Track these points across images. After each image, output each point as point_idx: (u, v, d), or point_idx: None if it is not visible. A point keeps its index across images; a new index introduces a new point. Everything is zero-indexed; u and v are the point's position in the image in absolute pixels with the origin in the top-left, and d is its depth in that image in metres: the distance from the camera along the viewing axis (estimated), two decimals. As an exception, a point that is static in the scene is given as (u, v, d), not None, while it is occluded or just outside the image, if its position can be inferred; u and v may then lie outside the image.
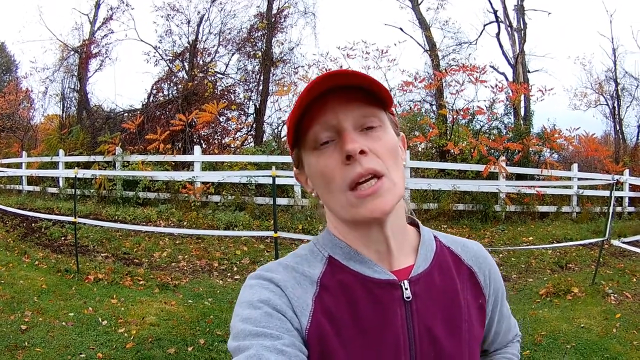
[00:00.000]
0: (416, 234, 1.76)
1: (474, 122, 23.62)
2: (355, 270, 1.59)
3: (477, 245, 1.87)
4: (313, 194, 1.66)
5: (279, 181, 15.81)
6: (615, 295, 10.89)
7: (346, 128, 1.49)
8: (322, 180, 1.55)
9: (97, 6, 27.06)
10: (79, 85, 26.80)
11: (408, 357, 1.54)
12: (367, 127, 1.52)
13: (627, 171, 23.66)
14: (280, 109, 26.43)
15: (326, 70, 24.56)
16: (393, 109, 1.66)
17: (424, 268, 1.65)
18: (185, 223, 17.28)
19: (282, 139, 25.87)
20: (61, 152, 23.12)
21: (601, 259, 12.50)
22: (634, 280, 12.25)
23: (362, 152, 1.47)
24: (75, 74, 26.79)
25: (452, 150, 21.57)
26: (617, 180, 12.39)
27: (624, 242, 12.42)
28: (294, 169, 1.73)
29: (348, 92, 1.50)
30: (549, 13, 33.91)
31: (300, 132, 1.56)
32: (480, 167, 20.26)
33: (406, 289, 1.58)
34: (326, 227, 1.75)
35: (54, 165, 23.34)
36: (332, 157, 1.51)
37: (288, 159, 19.51)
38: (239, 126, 25.72)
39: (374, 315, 1.54)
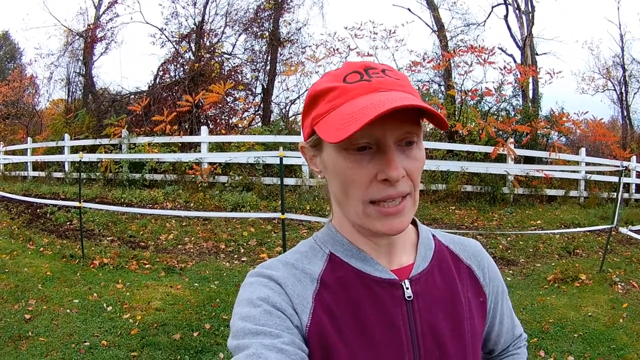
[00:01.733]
0: (414, 231, 1.73)
1: (482, 103, 23.66)
2: (356, 267, 1.56)
3: (474, 243, 1.86)
4: (319, 176, 1.62)
5: (286, 161, 15.79)
6: (622, 284, 10.87)
7: (390, 146, 1.42)
8: (343, 184, 1.48)
9: (102, -10, 27.08)
10: (84, 70, 27.00)
11: (412, 356, 1.51)
12: (407, 142, 1.46)
13: (634, 157, 23.63)
14: (287, 89, 26.86)
15: (334, 50, 24.75)
16: None
17: (424, 267, 1.62)
18: (192, 204, 17.31)
19: (290, 119, 25.97)
20: (67, 136, 23.27)
21: (608, 246, 12.47)
22: None
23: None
24: (81, 58, 27.08)
25: (461, 131, 21.54)
26: (626, 167, 12.34)
27: (631, 230, 12.35)
28: (305, 143, 1.63)
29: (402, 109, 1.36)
30: (558, -4, 33.91)
31: None
32: (488, 149, 20.24)
33: (407, 288, 1.55)
34: (329, 220, 1.71)
35: (59, 150, 23.48)
36: (365, 168, 1.43)
37: (296, 139, 19.68)
38: (247, 106, 25.83)
39: (376, 313, 1.51)
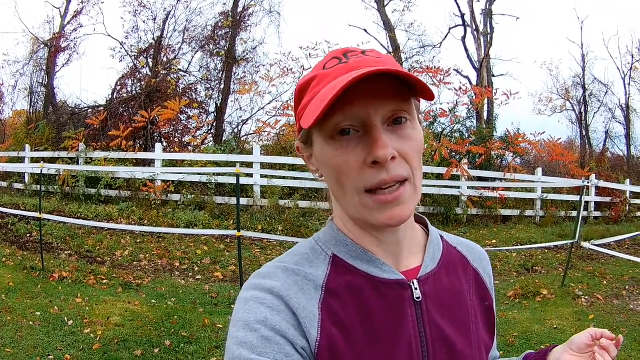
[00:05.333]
0: (423, 232, 1.72)
1: (436, 124, 23.91)
2: (362, 270, 1.50)
3: (479, 247, 1.85)
4: (317, 175, 1.57)
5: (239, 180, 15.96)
6: (586, 297, 11.27)
7: (376, 125, 1.35)
8: (335, 175, 1.42)
9: (69, 0, 27.03)
10: (46, 80, 26.62)
11: (421, 358, 1.46)
12: (396, 120, 1.39)
13: (593, 176, 23.82)
14: (240, 108, 26.53)
15: (288, 69, 24.94)
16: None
17: (432, 268, 1.58)
18: (145, 222, 17.23)
19: (242, 138, 25.93)
20: (27, 147, 22.95)
21: (569, 262, 12.83)
22: (605, 282, 12.65)
23: (392, 158, 1.36)
24: (44, 68, 26.65)
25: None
26: (587, 184, 12.67)
27: (594, 245, 12.69)
28: (298, 142, 1.57)
29: (381, 80, 1.33)
30: (518, 18, 34.23)
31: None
32: (442, 170, 20.43)
33: (416, 288, 1.51)
34: (330, 220, 1.65)
35: (20, 161, 23.13)
36: (353, 154, 1.37)
37: (248, 158, 19.87)
38: (200, 125, 25.71)
39: (385, 317, 1.46)
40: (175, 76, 26.10)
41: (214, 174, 18.91)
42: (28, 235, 15.18)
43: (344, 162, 1.38)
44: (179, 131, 24.87)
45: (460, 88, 23.58)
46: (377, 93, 1.34)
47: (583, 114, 34.04)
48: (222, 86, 26.43)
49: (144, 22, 26.51)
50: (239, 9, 26.71)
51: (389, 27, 28.71)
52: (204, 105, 26.52)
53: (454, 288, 1.61)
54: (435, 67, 24.41)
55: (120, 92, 25.19)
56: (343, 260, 1.52)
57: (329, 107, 1.28)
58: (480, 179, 22.34)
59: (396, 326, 1.46)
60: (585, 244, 12.63)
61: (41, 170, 12.61)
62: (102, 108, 24.20)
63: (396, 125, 1.39)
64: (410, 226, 1.61)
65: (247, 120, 26.49)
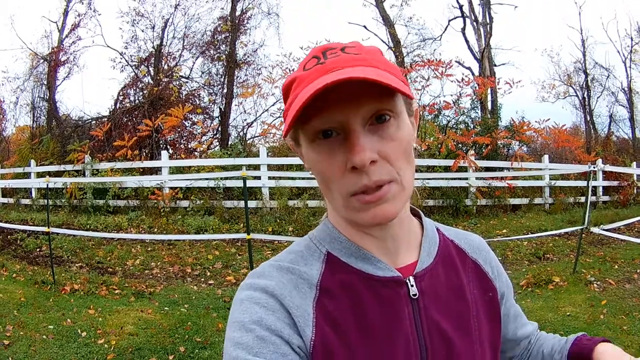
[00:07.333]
0: (419, 226, 1.65)
1: (440, 117, 23.76)
2: (357, 268, 1.47)
3: (478, 237, 1.80)
4: (310, 173, 1.48)
5: (247, 183, 15.91)
6: (598, 283, 11.21)
7: (354, 128, 1.29)
8: (321, 178, 1.40)
9: (65, 13, 27.03)
10: (48, 94, 26.69)
11: (419, 357, 1.43)
12: (378, 118, 1.31)
13: (599, 161, 23.33)
14: (244, 111, 26.69)
15: (290, 70, 24.89)
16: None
17: (428, 263, 1.55)
18: (155, 229, 17.21)
19: (248, 141, 25.97)
20: (32, 162, 23.03)
21: (580, 249, 12.77)
22: (616, 267, 12.60)
23: (371, 162, 1.30)
24: (45, 82, 26.73)
25: (419, 147, 21.61)
26: (594, 169, 12.65)
27: (604, 229, 12.63)
28: (290, 141, 1.52)
29: (360, 80, 1.22)
30: (515, 7, 34.17)
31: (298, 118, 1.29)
32: (449, 162, 20.30)
33: (412, 285, 1.48)
34: (325, 216, 1.63)
35: (26, 176, 23.23)
36: (335, 159, 1.33)
37: (255, 161, 19.91)
38: (205, 130, 25.74)
39: (381, 316, 1.43)
40: (178, 83, 26.17)
41: (221, 178, 18.82)
42: (37, 249, 15.19)
43: (327, 167, 1.35)
44: (184, 137, 24.94)
45: (462, 79, 23.43)
46: (356, 93, 1.28)
47: (586, 99, 33.98)
48: (224, 90, 26.54)
49: (142, 31, 26.65)
50: (237, 13, 26.77)
51: (388, 22, 28.74)
52: (207, 111, 26.61)
53: (451, 283, 1.58)
54: (436, 60, 24.16)
55: (123, 102, 25.30)
56: (337, 258, 1.50)
57: (297, 115, 1.25)
58: (487, 169, 22.19)
59: (392, 324, 1.43)
60: (595, 229, 12.59)
61: (47, 185, 12.56)
62: (106, 119, 24.29)
63: (379, 123, 1.33)
64: (406, 221, 1.56)
65: (252, 123, 26.73)
